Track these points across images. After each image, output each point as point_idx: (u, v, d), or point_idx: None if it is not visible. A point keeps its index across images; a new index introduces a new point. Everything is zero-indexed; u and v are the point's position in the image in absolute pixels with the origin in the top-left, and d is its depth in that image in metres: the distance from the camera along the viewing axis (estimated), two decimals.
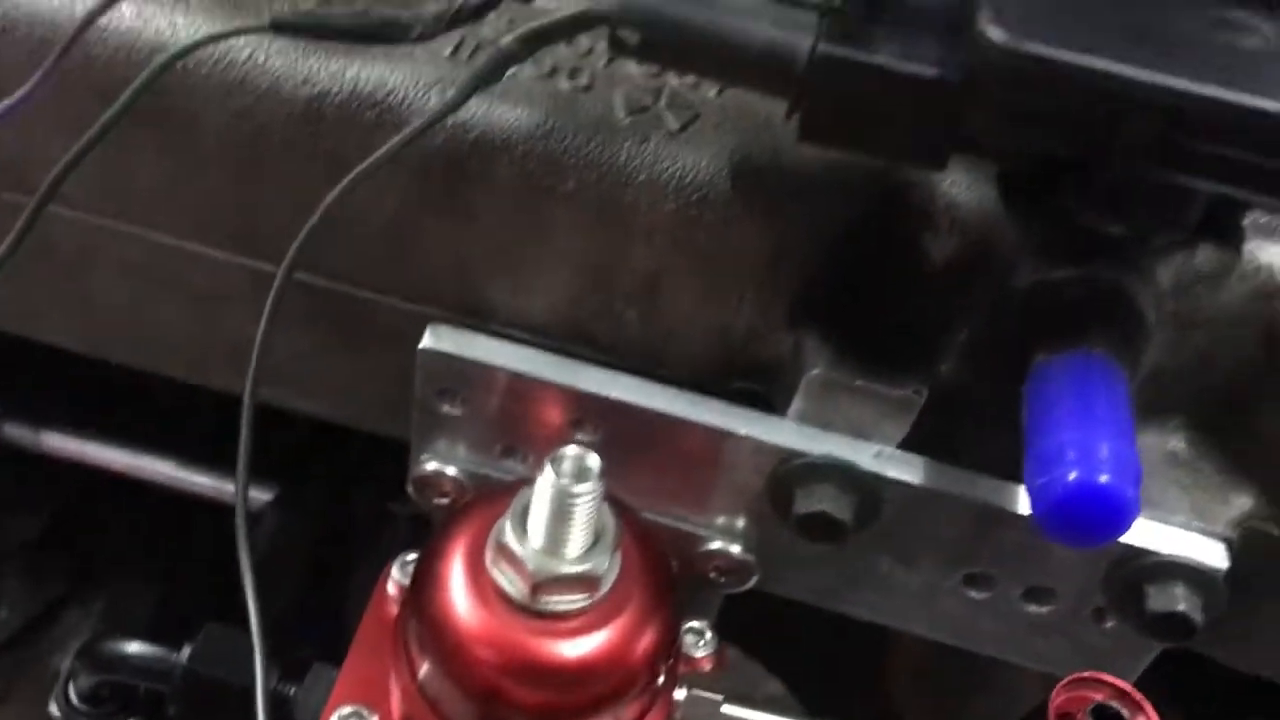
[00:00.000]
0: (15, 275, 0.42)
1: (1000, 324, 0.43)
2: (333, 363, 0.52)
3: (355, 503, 0.79)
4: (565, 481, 0.39)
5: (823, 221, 0.44)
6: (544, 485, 0.39)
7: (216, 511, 0.76)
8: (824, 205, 0.44)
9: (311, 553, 0.75)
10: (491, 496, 0.44)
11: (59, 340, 0.56)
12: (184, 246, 0.48)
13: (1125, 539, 0.41)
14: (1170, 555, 0.46)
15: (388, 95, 0.43)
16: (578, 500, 0.39)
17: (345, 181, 0.41)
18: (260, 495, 0.75)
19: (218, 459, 0.75)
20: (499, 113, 0.43)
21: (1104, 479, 0.35)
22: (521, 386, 0.47)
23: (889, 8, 0.36)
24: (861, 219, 0.44)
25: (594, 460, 0.39)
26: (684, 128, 0.44)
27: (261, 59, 0.43)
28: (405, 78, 0.43)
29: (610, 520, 0.41)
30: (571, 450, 0.39)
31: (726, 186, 0.44)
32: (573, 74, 0.45)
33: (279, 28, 0.39)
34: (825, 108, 0.37)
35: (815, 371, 0.45)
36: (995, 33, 0.33)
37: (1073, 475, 0.36)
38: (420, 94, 0.43)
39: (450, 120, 0.43)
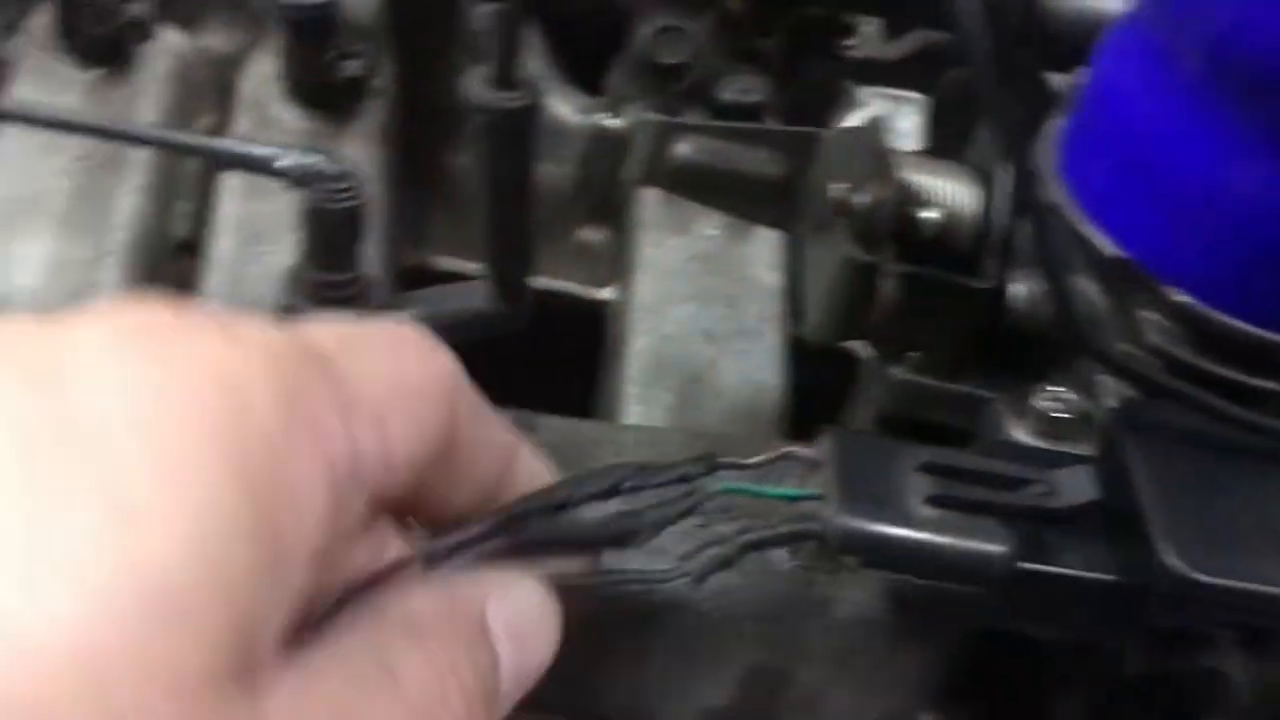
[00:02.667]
0: None
1: (1117, 709, 0.50)
2: None
3: None
4: None
5: (959, 630, 0.50)
6: None
7: None
8: (969, 618, 0.50)
9: None
10: None
11: None
12: None
13: None
14: None
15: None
16: None
17: None
18: None
19: None
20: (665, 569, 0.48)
21: None
22: None
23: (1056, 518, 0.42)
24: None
25: None
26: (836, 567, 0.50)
27: None
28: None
29: None
30: None
31: (885, 618, 0.49)
32: (729, 516, 0.50)
33: (523, 546, 0.42)
34: (1015, 605, 0.43)
35: None
36: (1176, 564, 0.40)
37: None
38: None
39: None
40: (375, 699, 0.26)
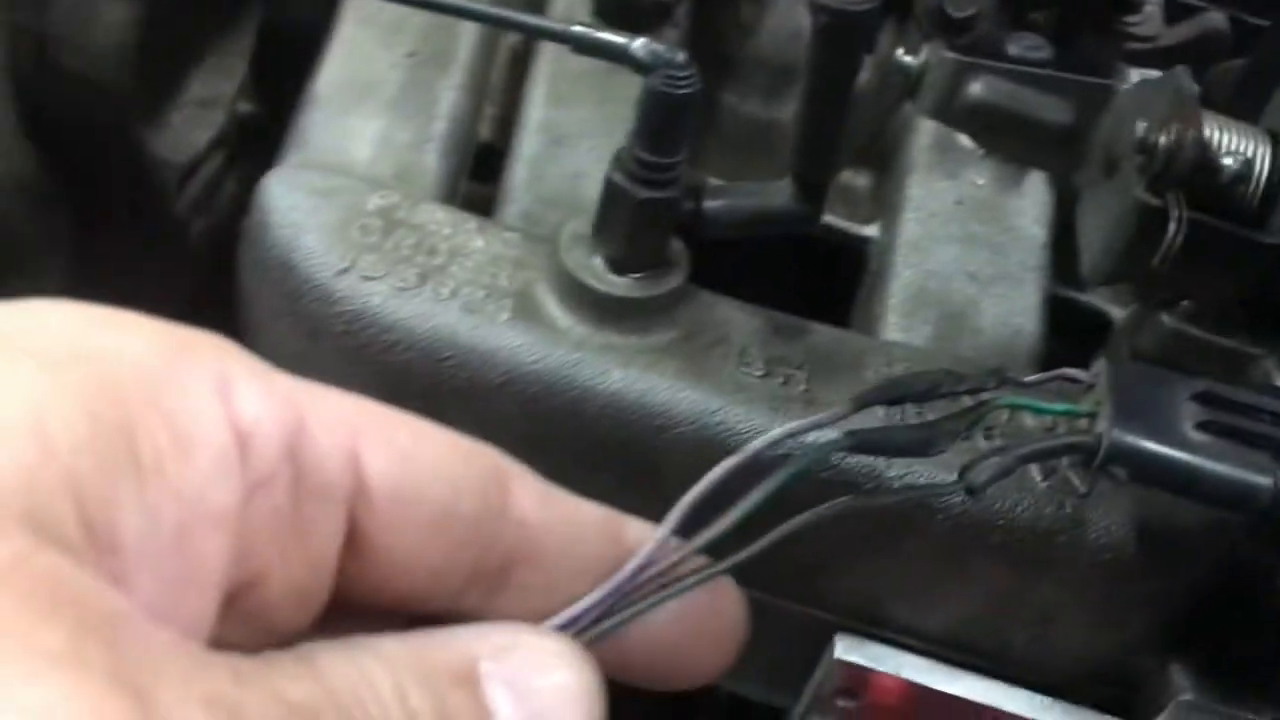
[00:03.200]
0: None
1: None
2: None
3: None
4: None
5: (1205, 570, 0.52)
6: None
7: None
8: (1209, 557, 0.51)
9: None
10: None
11: None
12: None
13: None
14: None
15: None
16: None
17: None
18: None
19: None
20: (940, 478, 0.51)
21: None
22: (917, 692, 0.54)
23: None
24: (1236, 567, 0.52)
25: None
26: (1089, 490, 0.52)
27: None
28: None
29: None
30: None
31: (1130, 545, 0.51)
32: (988, 434, 0.52)
33: (854, 448, 0.45)
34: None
35: (1185, 697, 0.53)
36: None
37: None
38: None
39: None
40: (277, 669, 0.24)
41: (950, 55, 0.58)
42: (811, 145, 0.48)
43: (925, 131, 0.71)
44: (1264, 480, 0.43)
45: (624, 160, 0.49)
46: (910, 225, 0.67)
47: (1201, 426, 0.44)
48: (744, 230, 0.51)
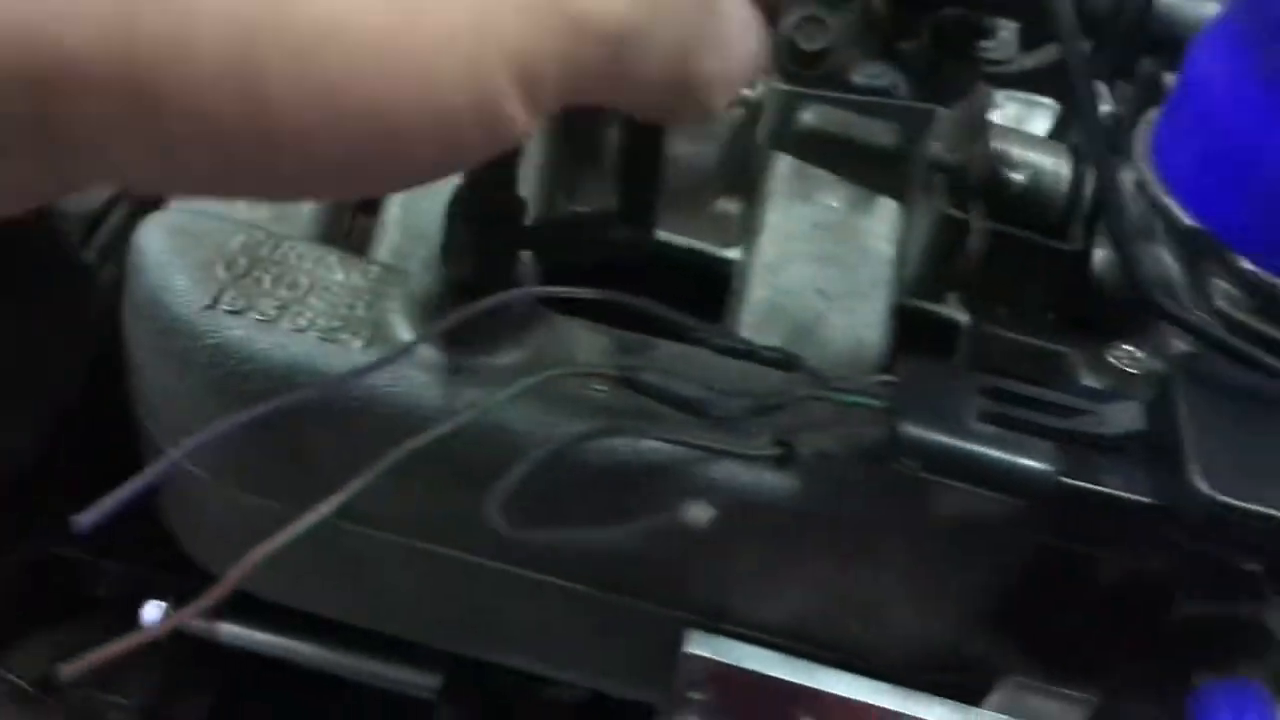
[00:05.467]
0: None
1: (1162, 648, 0.54)
2: (585, 645, 0.63)
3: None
4: None
5: (1015, 557, 0.55)
6: None
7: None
8: (1015, 544, 0.55)
9: None
10: None
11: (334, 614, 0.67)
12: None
13: None
14: None
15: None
16: None
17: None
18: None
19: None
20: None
21: None
22: (765, 683, 0.57)
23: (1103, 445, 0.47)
24: (1044, 553, 0.55)
25: None
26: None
27: None
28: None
29: None
30: None
31: (942, 536, 0.55)
32: None
33: (628, 383, 0.49)
34: (1061, 522, 0.48)
35: (1014, 677, 0.56)
36: (1202, 485, 0.44)
37: None
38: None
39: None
40: None
41: (781, 86, 0.62)
42: (631, 200, 0.52)
43: (785, 160, 0.75)
44: (1047, 466, 0.47)
45: (461, 192, 0.52)
46: (767, 247, 0.71)
47: (986, 418, 0.48)
48: (579, 255, 0.55)
